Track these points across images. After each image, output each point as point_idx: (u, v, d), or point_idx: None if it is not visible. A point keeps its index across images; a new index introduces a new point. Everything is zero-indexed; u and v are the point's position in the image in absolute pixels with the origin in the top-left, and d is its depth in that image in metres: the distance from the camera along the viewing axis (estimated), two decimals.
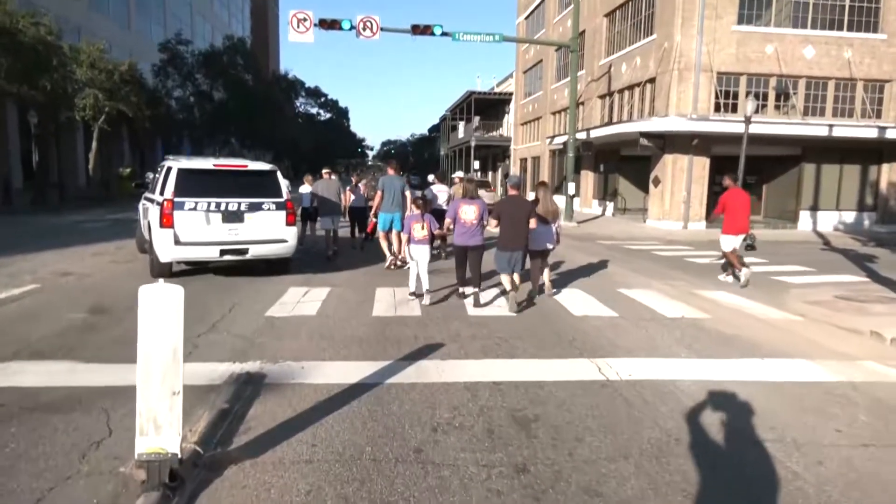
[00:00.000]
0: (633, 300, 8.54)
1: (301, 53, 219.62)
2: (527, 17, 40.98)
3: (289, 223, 9.15)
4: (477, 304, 7.84)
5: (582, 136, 24.50)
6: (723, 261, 10.90)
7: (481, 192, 25.51)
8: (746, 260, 10.82)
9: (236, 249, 8.69)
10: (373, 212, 11.09)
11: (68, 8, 34.99)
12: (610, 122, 25.47)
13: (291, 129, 65.32)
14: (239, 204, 8.74)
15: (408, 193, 10.69)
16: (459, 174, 15.98)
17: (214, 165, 8.90)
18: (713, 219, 10.47)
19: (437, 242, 10.31)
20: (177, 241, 8.41)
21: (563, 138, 27.42)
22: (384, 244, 11.09)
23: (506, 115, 48.78)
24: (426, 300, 7.90)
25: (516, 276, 7.88)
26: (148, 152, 48.37)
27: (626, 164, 25.94)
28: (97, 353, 5.47)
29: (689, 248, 15.77)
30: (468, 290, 8.19)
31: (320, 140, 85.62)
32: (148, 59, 44.63)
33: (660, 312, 7.76)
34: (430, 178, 17.52)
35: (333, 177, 12.75)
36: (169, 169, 8.83)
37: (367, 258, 11.97)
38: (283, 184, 9.28)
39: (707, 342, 6.44)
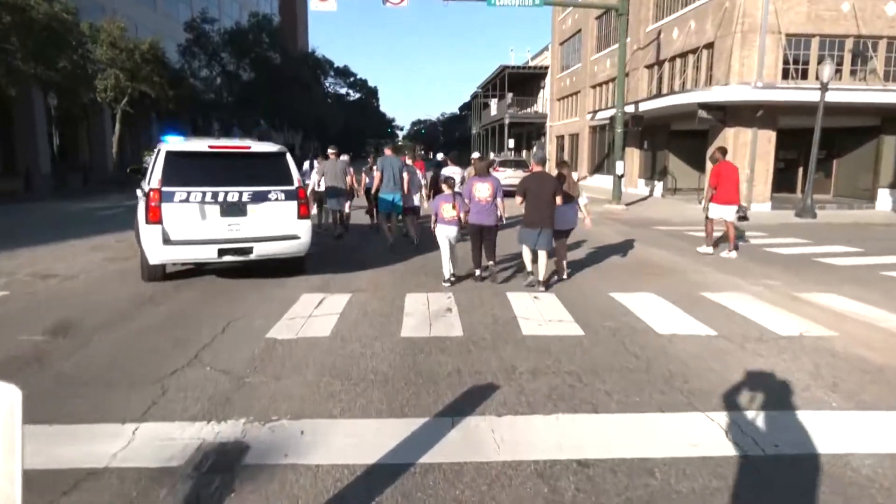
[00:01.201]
0: (725, 309, 6.82)
1: (330, 33, 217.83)
2: None
3: (301, 216, 7.63)
4: (494, 280, 8.05)
5: (630, 109, 22.41)
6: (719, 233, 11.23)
7: (518, 173, 23.79)
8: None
9: (238, 249, 7.22)
10: (372, 193, 10.97)
11: None
12: (659, 94, 23.31)
13: (320, 109, 63.92)
14: (240, 194, 7.25)
15: (405, 174, 10.63)
16: (476, 155, 15.15)
17: (210, 147, 7.38)
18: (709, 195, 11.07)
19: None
20: (166, 240, 6.98)
21: (608, 113, 25.38)
22: (385, 226, 10.92)
23: (541, 91, 46.48)
24: (448, 283, 7.88)
25: (543, 255, 7.62)
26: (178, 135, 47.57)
27: (676, 139, 23.79)
28: (30, 402, 4.04)
29: (761, 234, 13.82)
30: (483, 271, 8.19)
31: (350, 120, 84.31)
32: (175, 39, 43.64)
33: (768, 328, 6.03)
34: (440, 156, 16.75)
35: (344, 157, 12.31)
36: (158, 152, 7.38)
37: (395, 251, 10.45)
38: (294, 169, 7.76)
39: (855, 378, 4.71)
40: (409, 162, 11.13)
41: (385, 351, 5.21)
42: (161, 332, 5.62)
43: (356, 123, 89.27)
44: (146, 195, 7.02)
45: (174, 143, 7.43)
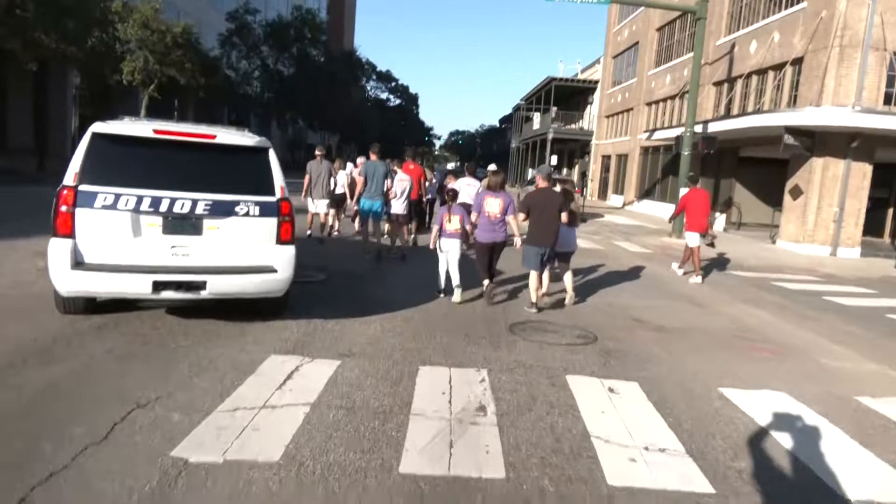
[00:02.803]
0: None
1: (376, 37, 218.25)
2: None
3: (283, 240, 5.39)
4: (490, 299, 7.56)
5: (696, 129, 19.80)
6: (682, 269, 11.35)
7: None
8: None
9: (184, 282, 4.98)
10: (354, 199, 10.60)
11: None
12: (728, 115, 20.68)
13: (359, 111, 62.31)
14: (194, 203, 5.04)
15: (388, 182, 10.11)
16: (493, 167, 13.46)
17: (157, 133, 5.13)
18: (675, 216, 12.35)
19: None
20: (78, 262, 4.80)
21: (669, 132, 22.83)
22: (366, 234, 10.60)
23: (588, 106, 43.91)
24: (457, 297, 7.50)
25: (545, 274, 7.66)
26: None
27: (745, 167, 21.12)
28: None
29: (867, 291, 11.16)
30: (491, 282, 7.69)
31: (388, 126, 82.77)
32: (217, 29, 42.60)
33: None
34: (450, 165, 15.64)
35: (353, 161, 13.01)
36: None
37: (414, 283, 8.18)
38: (279, 171, 5.53)
39: None
40: (396, 168, 11.14)
41: None
42: (4, 434, 3.39)
43: (395, 129, 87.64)
44: (55, 196, 4.85)
45: (108, 124, 5.23)
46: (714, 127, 18.99)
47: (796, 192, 16.89)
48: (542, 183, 7.40)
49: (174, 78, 29.22)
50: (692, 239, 10.64)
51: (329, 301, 7.00)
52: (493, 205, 7.34)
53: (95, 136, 4.99)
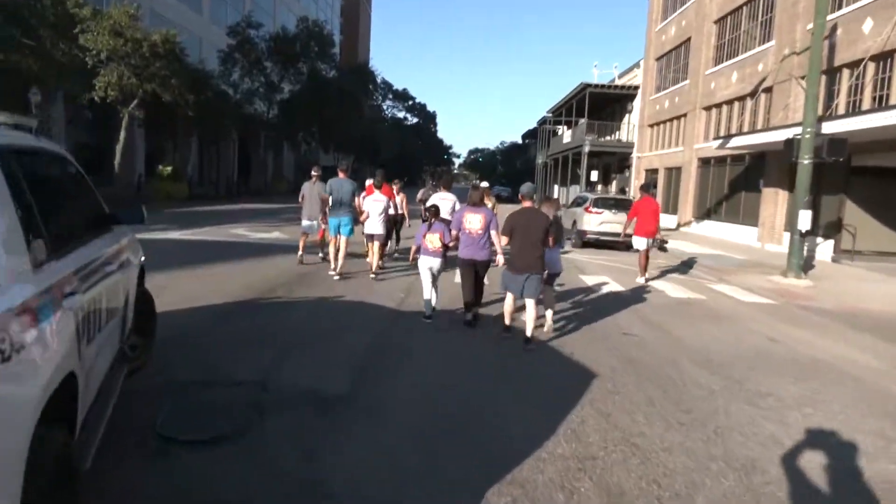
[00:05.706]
0: None
1: (392, 57, 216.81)
2: None
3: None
4: (470, 324, 7.16)
5: (777, 134, 15.17)
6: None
7: (621, 217, 16.97)
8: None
9: None
10: (322, 217, 11.03)
11: None
12: (830, 115, 16.05)
13: (374, 130, 58.52)
14: None
15: (358, 200, 10.30)
16: (485, 184, 14.20)
17: None
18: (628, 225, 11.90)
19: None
20: None
21: (752, 139, 18.29)
22: (332, 249, 10.48)
23: (627, 115, 39.44)
24: (429, 320, 7.26)
25: (531, 304, 6.43)
26: (224, 151, 42.23)
27: (859, 179, 16.38)
28: None
29: None
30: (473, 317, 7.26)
31: (406, 145, 79.21)
32: (220, 47, 39.28)
33: None
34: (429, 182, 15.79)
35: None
36: None
37: (430, 432, 3.78)
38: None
39: None
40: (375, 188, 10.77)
41: None
42: None
43: (413, 149, 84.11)
44: None
45: None
46: (833, 127, 14.19)
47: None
48: (525, 202, 6.88)
49: (159, 94, 25.42)
50: (639, 243, 11.41)
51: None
52: (474, 221, 7.10)
53: None
